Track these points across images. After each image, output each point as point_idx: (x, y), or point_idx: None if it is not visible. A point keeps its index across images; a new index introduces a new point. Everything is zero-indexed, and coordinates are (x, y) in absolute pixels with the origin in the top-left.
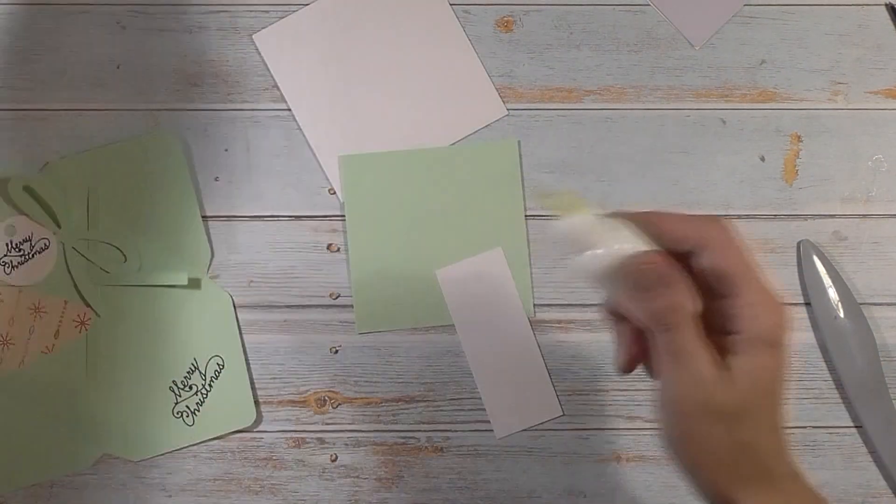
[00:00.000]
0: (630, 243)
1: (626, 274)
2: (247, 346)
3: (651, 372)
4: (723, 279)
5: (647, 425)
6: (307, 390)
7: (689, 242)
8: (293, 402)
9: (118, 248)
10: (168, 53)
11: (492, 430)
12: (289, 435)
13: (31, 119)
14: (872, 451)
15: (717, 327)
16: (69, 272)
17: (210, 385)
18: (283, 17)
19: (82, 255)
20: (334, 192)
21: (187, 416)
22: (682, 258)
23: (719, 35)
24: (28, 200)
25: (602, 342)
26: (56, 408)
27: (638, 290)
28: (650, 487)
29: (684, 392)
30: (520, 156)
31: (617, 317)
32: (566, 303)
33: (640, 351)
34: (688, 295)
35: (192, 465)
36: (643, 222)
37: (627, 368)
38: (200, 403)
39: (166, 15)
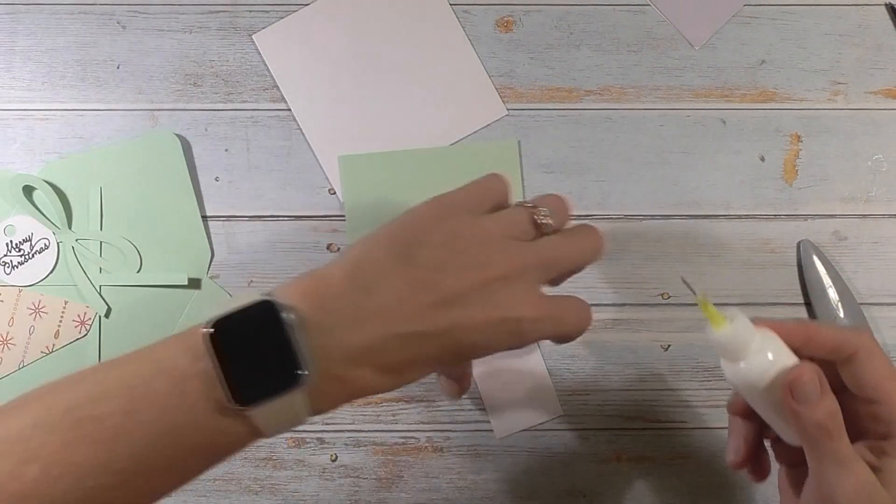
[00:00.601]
0: (782, 354)
1: (784, 385)
2: None
3: (785, 484)
4: (873, 386)
5: (648, 425)
6: None
7: (840, 353)
8: None
9: (118, 248)
10: (168, 53)
11: (492, 431)
12: (288, 435)
13: (31, 119)
14: None
15: (861, 431)
16: (69, 272)
17: None
18: (283, 17)
19: (82, 255)
20: (334, 192)
21: None
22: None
23: (719, 35)
24: (28, 200)
25: (602, 342)
26: None
27: (798, 400)
28: (650, 487)
29: (850, 498)
30: (520, 156)
31: (741, 415)
32: None
33: (754, 453)
34: (837, 403)
35: None
36: (794, 333)
37: (740, 466)
38: None
39: (166, 15)
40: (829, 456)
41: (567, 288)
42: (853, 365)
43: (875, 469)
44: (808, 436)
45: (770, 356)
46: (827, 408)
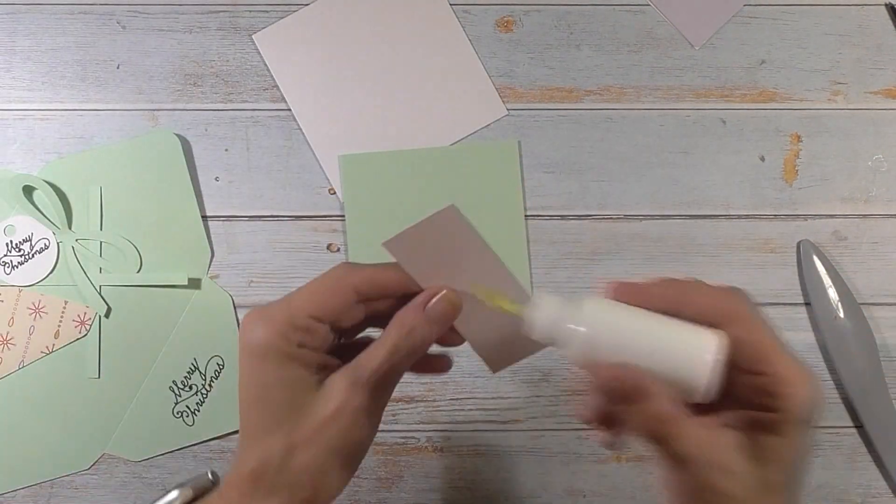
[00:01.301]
0: (605, 323)
1: (597, 390)
2: None
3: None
4: (752, 355)
5: None
6: None
7: (712, 317)
8: None
9: (118, 248)
10: (168, 53)
11: (492, 431)
12: None
13: (31, 119)
14: (872, 451)
15: (745, 400)
16: (69, 272)
17: (210, 385)
18: (283, 17)
19: (82, 255)
20: (334, 192)
21: (187, 416)
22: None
23: (719, 35)
24: (28, 200)
25: None
26: (56, 408)
27: (615, 403)
28: (650, 487)
29: (697, 496)
30: (520, 156)
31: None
32: None
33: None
34: (665, 400)
35: (192, 465)
36: (661, 299)
37: (588, 420)
38: (200, 403)
39: (166, 15)
40: (666, 457)
41: (566, 287)
42: (730, 330)
43: (748, 443)
44: (648, 433)
45: (593, 300)
46: (644, 414)
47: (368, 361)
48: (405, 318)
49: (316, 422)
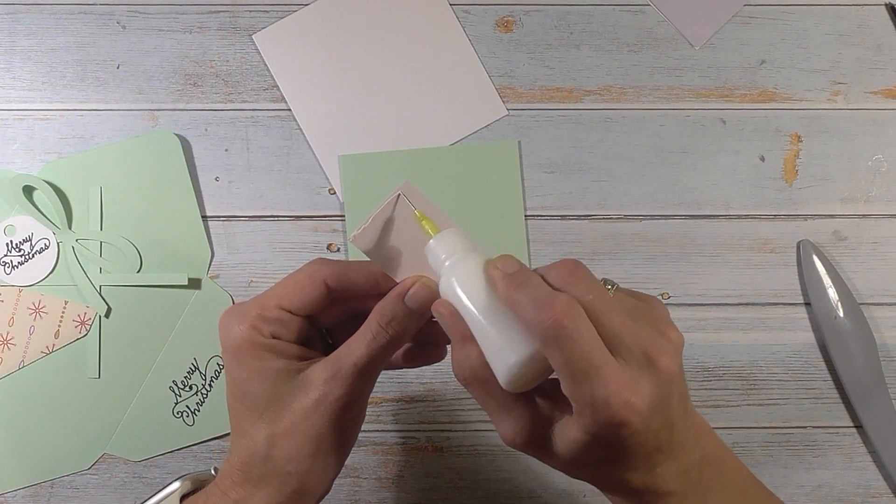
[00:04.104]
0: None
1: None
2: None
3: None
4: (568, 374)
5: None
6: None
7: (535, 334)
8: None
9: (118, 248)
10: (168, 53)
11: (492, 431)
12: None
13: (31, 119)
14: (872, 451)
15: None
16: (69, 272)
17: (210, 385)
18: (283, 17)
19: (82, 255)
20: (334, 192)
21: (187, 416)
22: None
23: (719, 35)
24: (28, 200)
25: None
26: (56, 408)
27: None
28: None
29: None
30: (520, 156)
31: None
32: None
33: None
34: (477, 362)
35: (193, 465)
36: (497, 291)
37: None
38: (200, 403)
39: (166, 15)
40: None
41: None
42: (552, 354)
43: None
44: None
45: (480, 260)
46: (457, 357)
47: (349, 353)
48: (384, 308)
49: (297, 412)
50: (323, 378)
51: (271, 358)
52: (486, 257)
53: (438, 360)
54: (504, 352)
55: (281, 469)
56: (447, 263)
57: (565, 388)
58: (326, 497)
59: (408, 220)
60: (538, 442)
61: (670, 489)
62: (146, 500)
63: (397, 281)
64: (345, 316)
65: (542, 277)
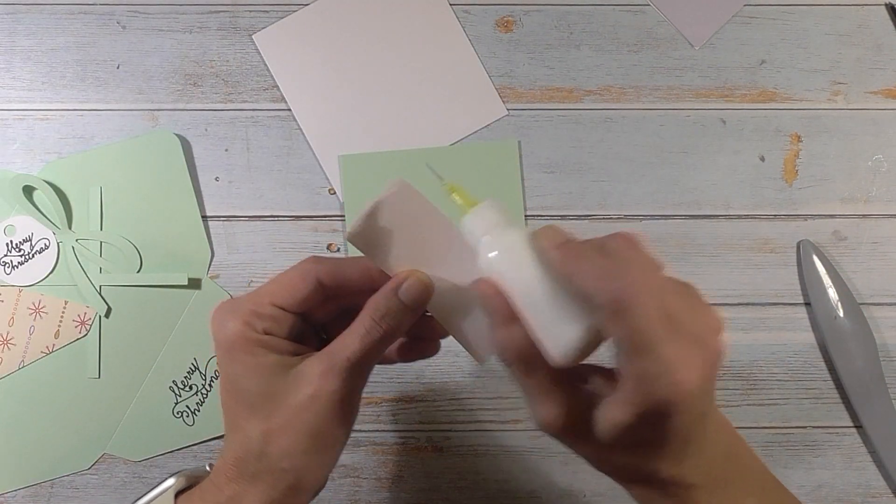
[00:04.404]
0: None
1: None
2: None
3: None
4: (631, 346)
5: None
6: None
7: (596, 300)
8: None
9: (118, 248)
10: (168, 53)
11: (492, 431)
12: None
13: (31, 119)
14: (872, 451)
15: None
16: (69, 272)
17: (210, 385)
18: (283, 17)
19: (82, 255)
20: (334, 192)
21: (187, 416)
22: None
23: (719, 35)
24: (28, 200)
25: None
26: (56, 408)
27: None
28: None
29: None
30: (520, 156)
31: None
32: None
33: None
34: (524, 341)
35: (193, 466)
36: (552, 262)
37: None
38: (200, 403)
39: (166, 15)
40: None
41: None
42: (614, 324)
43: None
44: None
45: (522, 232)
46: (499, 339)
47: (342, 348)
48: (377, 303)
49: (291, 408)
50: (317, 373)
51: (264, 354)
52: (524, 230)
53: (433, 355)
54: (558, 325)
55: (275, 465)
56: (486, 238)
57: (620, 362)
58: (326, 497)
59: (402, 215)
60: (576, 427)
61: (694, 482)
62: (141, 497)
63: (391, 276)
64: (339, 312)
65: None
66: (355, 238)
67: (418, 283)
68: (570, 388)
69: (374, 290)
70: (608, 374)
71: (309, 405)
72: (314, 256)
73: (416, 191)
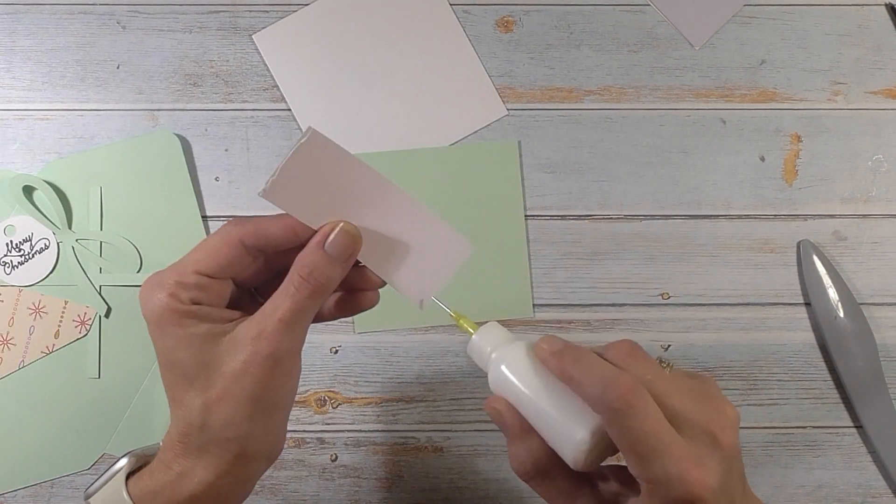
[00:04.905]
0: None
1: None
2: None
3: None
4: (635, 452)
5: None
6: (307, 390)
7: (598, 408)
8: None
9: (118, 248)
10: (168, 53)
11: (492, 431)
12: (289, 435)
13: (31, 119)
14: (872, 451)
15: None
16: (69, 272)
17: None
18: (283, 17)
19: (82, 255)
20: None
21: None
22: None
23: (719, 35)
24: (28, 200)
25: (602, 342)
26: (56, 408)
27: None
28: None
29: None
30: (520, 156)
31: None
32: (566, 303)
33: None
34: (539, 452)
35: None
36: (554, 365)
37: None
38: None
39: (166, 15)
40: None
41: (566, 287)
42: (614, 427)
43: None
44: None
45: (525, 344)
46: (514, 452)
47: (273, 309)
48: (304, 259)
49: (227, 376)
50: (250, 338)
51: (193, 324)
52: (527, 342)
53: (371, 307)
54: (569, 429)
55: (219, 436)
56: (494, 355)
57: (633, 467)
58: (326, 497)
59: (318, 166)
60: None
61: None
62: (94, 482)
63: (316, 230)
64: (272, 273)
65: (600, 356)
66: (270, 195)
67: (345, 234)
68: (594, 490)
69: (302, 246)
70: (628, 473)
71: (245, 371)
72: (233, 220)
73: (329, 140)
